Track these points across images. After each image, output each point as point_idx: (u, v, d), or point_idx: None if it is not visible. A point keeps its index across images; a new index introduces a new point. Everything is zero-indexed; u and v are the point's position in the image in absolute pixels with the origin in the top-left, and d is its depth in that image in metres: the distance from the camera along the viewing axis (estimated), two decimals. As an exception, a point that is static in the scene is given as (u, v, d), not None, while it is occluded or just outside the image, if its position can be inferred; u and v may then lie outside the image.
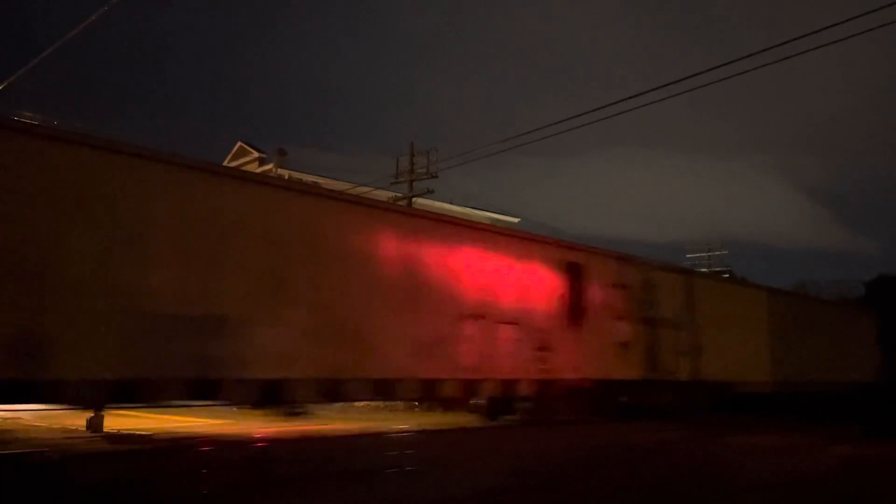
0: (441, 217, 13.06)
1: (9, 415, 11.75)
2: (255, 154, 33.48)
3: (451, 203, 32.18)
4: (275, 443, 10.48)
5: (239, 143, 34.77)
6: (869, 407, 18.69)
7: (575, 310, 13.67)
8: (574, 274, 13.76)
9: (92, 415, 11.05)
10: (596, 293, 14.18)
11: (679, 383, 16.01)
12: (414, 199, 24.85)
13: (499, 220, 33.97)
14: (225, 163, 31.34)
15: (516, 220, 37.56)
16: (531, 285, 13.00)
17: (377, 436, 11.96)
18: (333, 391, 10.12)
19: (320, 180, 27.11)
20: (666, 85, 12.98)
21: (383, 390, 10.87)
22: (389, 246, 10.86)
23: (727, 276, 36.29)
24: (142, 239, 8.28)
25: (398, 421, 14.89)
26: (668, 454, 10.40)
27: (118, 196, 8.17)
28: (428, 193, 25.20)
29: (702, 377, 16.53)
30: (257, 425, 12.12)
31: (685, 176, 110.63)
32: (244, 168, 28.35)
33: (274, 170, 30.44)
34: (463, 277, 11.82)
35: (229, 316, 8.85)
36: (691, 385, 16.32)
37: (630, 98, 13.63)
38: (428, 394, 11.70)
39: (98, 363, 7.87)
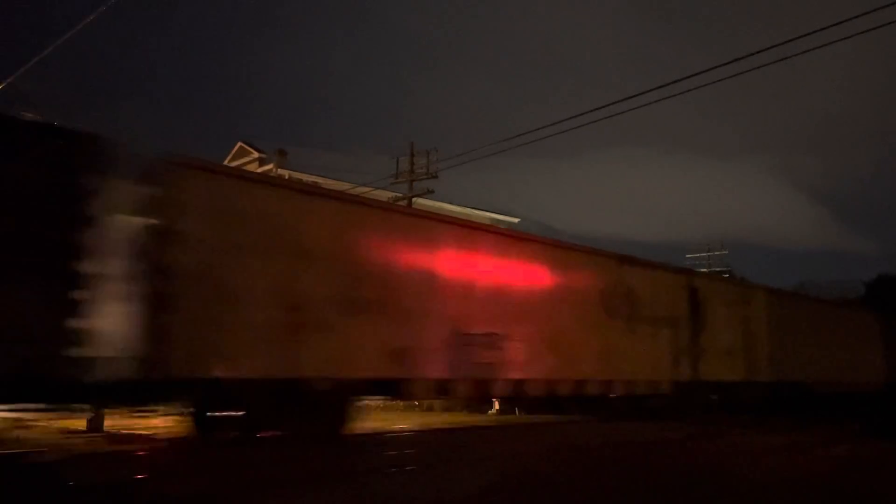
0: (624, 258, 16.22)
1: (9, 414, 11.75)
2: (255, 154, 33.47)
3: (451, 203, 32.16)
4: (273, 443, 10.47)
5: (239, 143, 34.77)
6: (870, 407, 18.72)
7: (697, 323, 16.92)
8: (694, 295, 17.21)
9: (92, 415, 11.08)
10: (709, 309, 17.36)
11: (765, 384, 18.80)
12: (413, 200, 24.86)
13: (499, 220, 33.97)
14: (225, 163, 31.37)
15: (516, 220, 37.55)
16: (667, 304, 16.36)
17: (378, 435, 11.97)
18: (552, 389, 13.50)
19: (320, 180, 27.10)
20: (666, 85, 12.97)
21: (579, 388, 14.01)
22: (584, 279, 14.60)
23: (727, 276, 36.28)
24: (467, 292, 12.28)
25: (398, 421, 14.90)
26: (685, 452, 10.41)
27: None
28: (428, 193, 25.20)
29: (783, 379, 19.37)
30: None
31: (685, 176, 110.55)
32: (244, 168, 28.36)
33: (274, 170, 30.44)
34: (636, 301, 15.36)
35: (500, 334, 12.31)
36: (776, 386, 19.07)
37: (630, 98, 13.62)
38: (606, 390, 14.89)
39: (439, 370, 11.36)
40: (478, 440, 12.36)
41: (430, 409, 19.25)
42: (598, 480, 7.83)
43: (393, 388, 11.18)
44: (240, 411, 9.47)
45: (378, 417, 15.18)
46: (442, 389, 11.74)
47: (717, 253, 45.64)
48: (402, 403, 18.06)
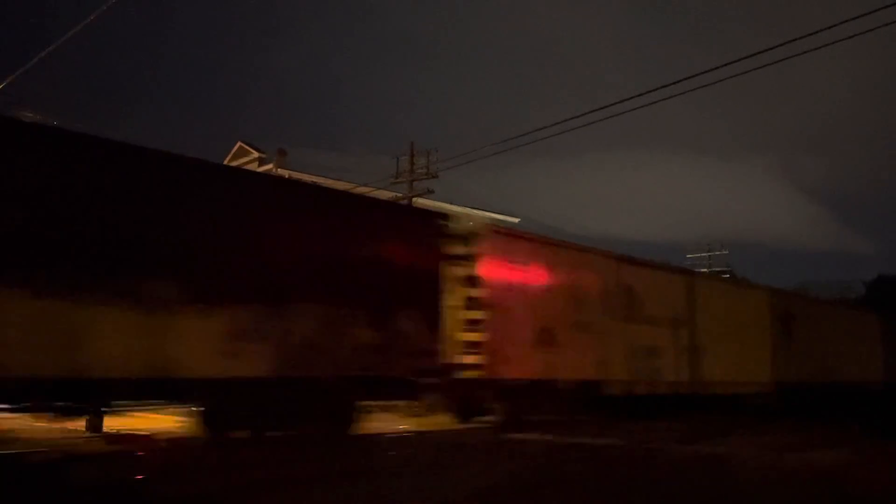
0: (776, 291, 20.60)
1: (9, 414, 11.74)
2: (255, 154, 33.48)
3: (451, 203, 32.16)
4: (273, 443, 10.46)
5: (239, 143, 34.79)
6: (869, 407, 18.71)
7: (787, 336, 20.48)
8: (784, 315, 20.49)
9: (91, 415, 11.06)
10: (796, 323, 20.85)
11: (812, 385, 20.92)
12: (414, 199, 24.86)
13: (499, 220, 33.95)
14: (225, 162, 31.37)
15: (516, 220, 37.56)
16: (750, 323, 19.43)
17: (379, 435, 11.96)
18: (695, 390, 16.65)
19: (320, 180, 27.10)
20: (666, 85, 13.03)
21: (726, 388, 17.41)
22: (752, 309, 19.24)
23: (727, 276, 36.28)
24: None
25: (398, 420, 14.87)
26: (686, 452, 10.40)
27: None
28: (428, 193, 25.20)
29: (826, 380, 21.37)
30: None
31: (685, 176, 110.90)
32: (244, 168, 28.36)
33: (274, 170, 30.44)
34: (745, 322, 18.87)
35: (700, 347, 16.52)
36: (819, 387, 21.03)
37: (630, 98, 13.68)
38: (736, 390, 17.94)
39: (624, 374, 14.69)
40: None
41: (429, 409, 19.18)
42: (600, 481, 7.83)
43: (597, 387, 14.17)
44: (507, 402, 12.57)
45: (380, 418, 15.17)
46: (627, 389, 14.81)
47: (717, 253, 45.65)
48: (402, 403, 18.23)
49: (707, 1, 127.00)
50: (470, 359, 11.70)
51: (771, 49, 11.78)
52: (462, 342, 11.66)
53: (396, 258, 10.79)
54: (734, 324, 18.31)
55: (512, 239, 13.46)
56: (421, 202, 25.08)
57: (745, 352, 18.54)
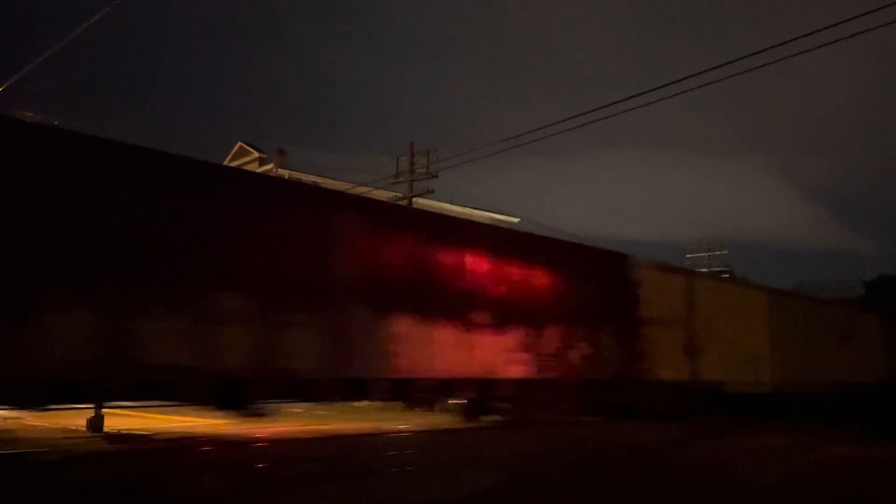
0: (844, 304, 21.73)
1: (9, 414, 11.75)
2: (255, 154, 33.48)
3: (451, 203, 32.16)
4: (275, 443, 10.49)
5: (239, 143, 34.79)
6: (870, 407, 18.71)
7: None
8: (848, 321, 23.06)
9: (92, 414, 11.08)
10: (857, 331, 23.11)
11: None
12: (414, 199, 24.85)
13: (499, 220, 33.96)
14: (225, 162, 31.39)
15: (516, 220, 37.54)
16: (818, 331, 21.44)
17: (379, 435, 11.98)
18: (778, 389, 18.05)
19: (320, 180, 27.11)
20: (666, 85, 13.02)
21: (801, 386, 18.83)
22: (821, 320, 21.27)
23: (727, 275, 36.27)
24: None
25: (399, 420, 14.89)
26: (688, 452, 10.41)
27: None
28: (428, 193, 25.19)
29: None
30: (258, 426, 12.10)
31: (685, 176, 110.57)
32: (245, 168, 28.37)
33: (274, 169, 30.45)
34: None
35: (759, 354, 17.76)
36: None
37: (630, 98, 13.68)
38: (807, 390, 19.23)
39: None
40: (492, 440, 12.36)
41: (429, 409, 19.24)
42: (601, 481, 7.83)
43: (721, 386, 16.65)
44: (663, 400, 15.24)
45: (376, 417, 15.20)
46: (741, 388, 17.09)
47: (717, 253, 45.64)
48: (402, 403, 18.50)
49: (707, 1, 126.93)
50: (641, 364, 14.67)
51: (771, 49, 11.79)
52: (639, 351, 14.74)
53: (603, 288, 14.04)
54: (805, 332, 20.87)
55: (669, 272, 17.20)
56: (421, 202, 25.08)
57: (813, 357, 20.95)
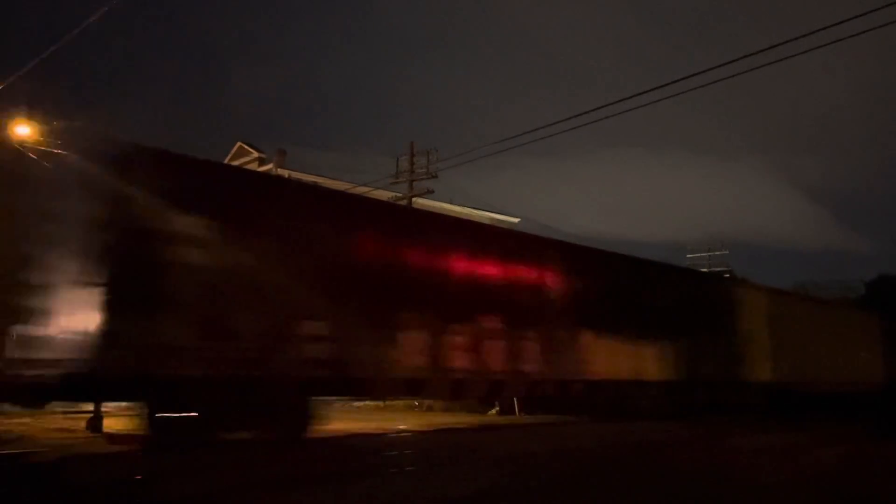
0: (874, 313, 26.56)
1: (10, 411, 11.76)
2: (255, 154, 33.47)
3: (451, 203, 32.15)
4: (274, 443, 10.46)
5: (239, 143, 34.77)
6: (871, 407, 18.72)
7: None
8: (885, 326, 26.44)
9: (92, 415, 11.07)
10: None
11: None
12: (413, 199, 24.85)
13: (499, 221, 33.97)
14: (225, 162, 31.34)
15: (516, 220, 37.54)
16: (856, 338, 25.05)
17: (379, 436, 11.97)
18: (811, 387, 20.65)
19: (320, 180, 27.10)
20: (666, 85, 13.02)
21: (835, 386, 21.60)
22: (853, 326, 24.55)
23: (727, 276, 36.25)
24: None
25: (398, 420, 14.90)
26: (688, 452, 10.40)
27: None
28: (428, 193, 25.19)
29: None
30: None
31: (685, 176, 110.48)
32: (245, 167, 28.35)
33: (274, 169, 30.43)
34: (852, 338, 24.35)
35: (816, 357, 21.26)
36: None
37: (630, 98, 13.67)
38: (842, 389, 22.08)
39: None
40: (491, 440, 12.37)
41: (429, 408, 19.26)
42: (601, 481, 7.82)
43: (790, 384, 19.98)
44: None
45: (379, 417, 15.20)
46: (809, 388, 20.26)
47: (717, 253, 45.71)
48: (401, 403, 18.57)
49: (707, 1, 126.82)
50: (740, 368, 18.16)
51: (771, 49, 11.78)
52: (739, 356, 18.10)
53: (712, 305, 18.04)
54: (838, 338, 23.40)
55: (755, 290, 20.37)
56: (421, 202, 25.08)
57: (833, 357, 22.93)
